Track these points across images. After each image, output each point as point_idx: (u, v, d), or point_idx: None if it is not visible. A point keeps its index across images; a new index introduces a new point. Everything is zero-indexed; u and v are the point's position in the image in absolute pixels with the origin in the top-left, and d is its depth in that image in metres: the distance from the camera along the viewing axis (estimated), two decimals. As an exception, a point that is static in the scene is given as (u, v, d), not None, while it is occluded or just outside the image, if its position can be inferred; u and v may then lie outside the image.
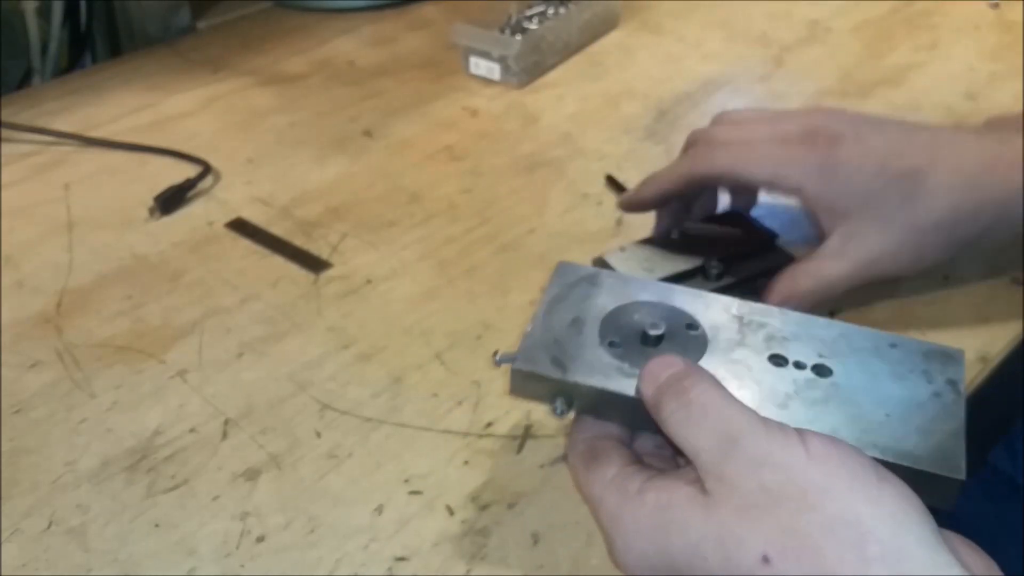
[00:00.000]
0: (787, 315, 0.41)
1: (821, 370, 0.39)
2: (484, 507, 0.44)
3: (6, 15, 0.84)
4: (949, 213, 0.48)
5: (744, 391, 0.37)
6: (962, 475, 0.35)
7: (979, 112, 0.72)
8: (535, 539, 0.42)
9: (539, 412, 0.48)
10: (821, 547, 0.30)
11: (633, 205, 0.57)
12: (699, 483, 0.33)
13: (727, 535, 0.31)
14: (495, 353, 0.39)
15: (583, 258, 0.58)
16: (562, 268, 0.43)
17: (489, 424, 0.48)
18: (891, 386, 0.38)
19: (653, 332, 0.39)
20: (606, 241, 0.61)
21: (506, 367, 0.39)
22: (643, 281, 0.44)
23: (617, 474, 0.35)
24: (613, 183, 0.66)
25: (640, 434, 0.39)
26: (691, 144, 0.54)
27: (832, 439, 0.32)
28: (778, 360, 0.39)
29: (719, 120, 0.54)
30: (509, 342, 0.53)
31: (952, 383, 0.38)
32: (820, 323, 0.41)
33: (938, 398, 0.38)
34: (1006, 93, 0.75)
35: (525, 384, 0.38)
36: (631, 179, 0.64)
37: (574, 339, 0.39)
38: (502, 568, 0.41)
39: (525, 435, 0.47)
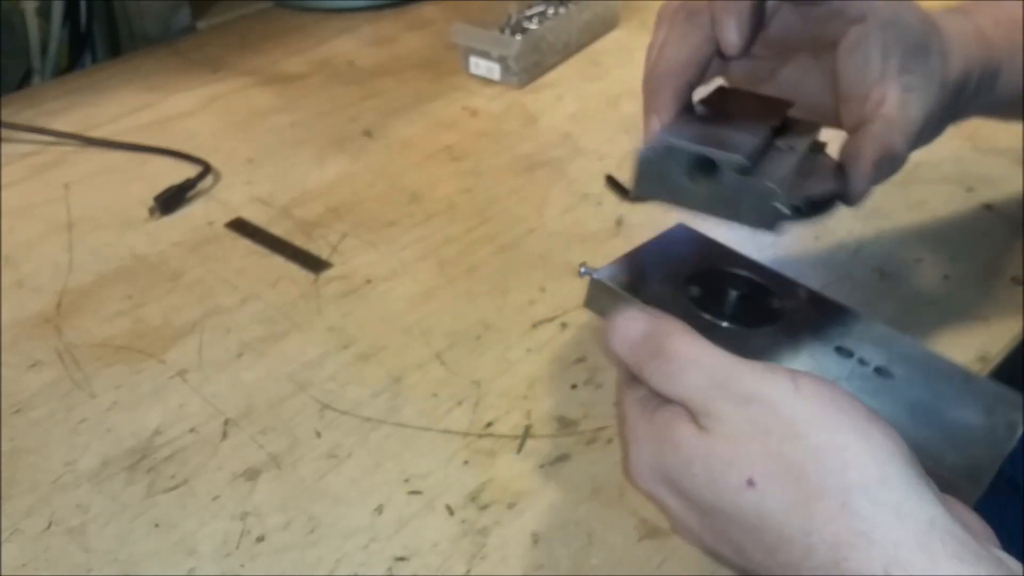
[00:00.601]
0: (872, 324, 0.43)
1: (883, 372, 0.40)
2: (484, 507, 0.44)
3: (6, 15, 0.84)
4: (960, 74, 0.46)
5: (795, 363, 0.38)
6: (980, 489, 0.35)
7: (979, 112, 0.72)
8: (535, 539, 0.42)
9: (539, 412, 0.48)
10: (805, 471, 0.30)
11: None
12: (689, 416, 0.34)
13: (714, 458, 0.32)
14: (581, 264, 0.42)
15: (583, 258, 0.58)
16: (679, 228, 0.46)
17: (489, 424, 0.48)
18: (948, 405, 0.39)
19: (732, 296, 0.41)
20: (606, 241, 0.61)
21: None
22: (746, 258, 0.46)
23: (645, 395, 0.36)
24: (613, 183, 0.66)
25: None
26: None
27: (824, 381, 0.33)
28: (844, 352, 0.40)
29: None
30: (509, 342, 0.53)
31: (1011, 425, 0.39)
32: (903, 340, 0.42)
33: (990, 432, 0.39)
34: (1006, 93, 0.75)
35: (598, 297, 0.40)
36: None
37: (657, 275, 0.41)
38: (502, 568, 0.41)
39: (525, 435, 0.47)
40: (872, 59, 0.43)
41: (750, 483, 0.31)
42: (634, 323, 0.36)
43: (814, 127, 0.45)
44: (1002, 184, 0.64)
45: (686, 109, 0.43)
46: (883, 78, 0.43)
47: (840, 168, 0.43)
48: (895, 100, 0.43)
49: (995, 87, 0.48)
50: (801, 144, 0.42)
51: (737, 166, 0.37)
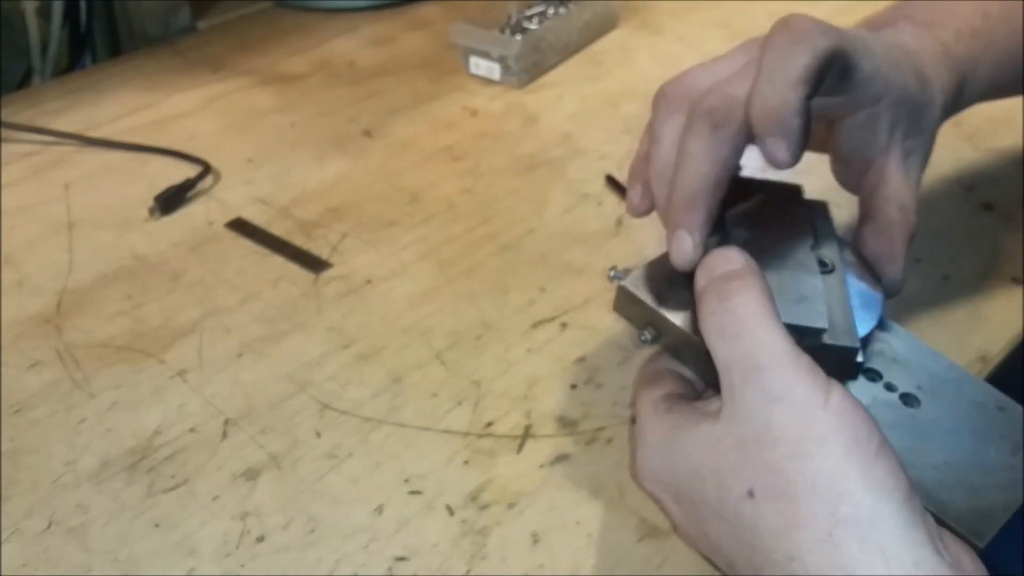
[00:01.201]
0: (915, 342, 0.41)
1: (909, 399, 0.39)
2: (484, 507, 0.44)
3: (6, 15, 0.84)
4: (943, 107, 0.46)
5: None
6: (982, 543, 0.34)
7: (979, 111, 0.72)
8: (535, 539, 0.42)
9: (539, 412, 0.48)
10: (798, 495, 0.30)
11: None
12: (714, 413, 0.34)
13: (723, 464, 0.32)
14: (611, 268, 0.41)
15: (583, 258, 0.58)
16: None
17: (489, 424, 0.48)
18: (972, 441, 0.38)
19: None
20: (606, 241, 0.61)
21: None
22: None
23: (661, 396, 0.36)
24: (613, 183, 0.66)
25: (708, 390, 0.39)
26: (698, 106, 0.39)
27: (855, 401, 0.32)
28: (872, 375, 0.39)
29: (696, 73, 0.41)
30: (509, 342, 0.53)
31: None
32: (943, 362, 0.41)
33: (1010, 471, 0.37)
34: (1006, 93, 0.75)
35: (626, 304, 0.40)
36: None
37: (688, 285, 0.38)
38: (502, 568, 0.41)
39: (525, 435, 0.47)
40: (880, 135, 0.43)
41: (751, 494, 0.31)
42: (725, 260, 0.35)
43: (824, 211, 0.44)
44: (1002, 184, 0.64)
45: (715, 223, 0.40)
46: (887, 149, 0.43)
47: (867, 264, 0.44)
48: (899, 174, 0.43)
49: (959, 101, 0.48)
50: (831, 253, 0.42)
51: (818, 334, 0.37)
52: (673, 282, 0.39)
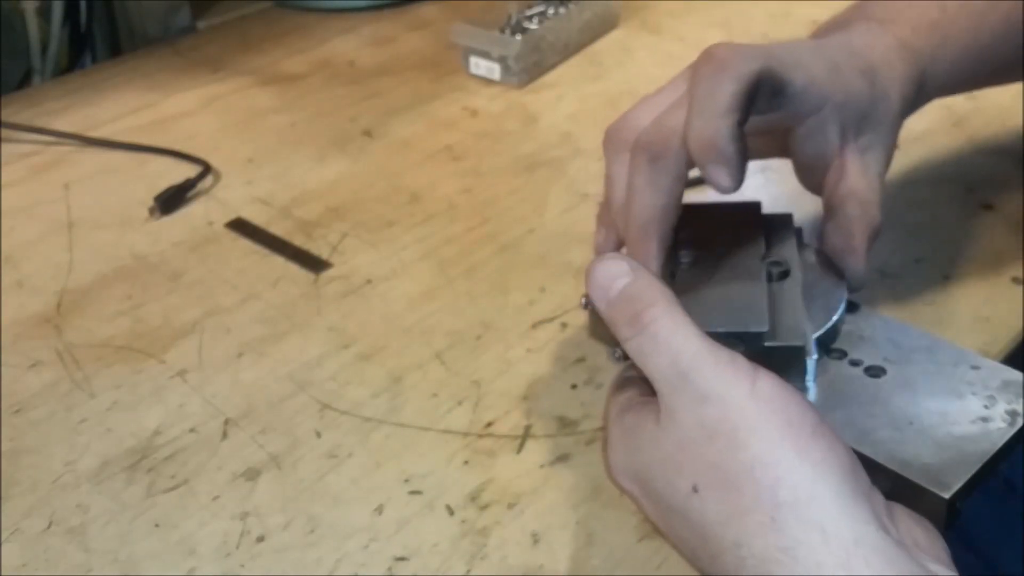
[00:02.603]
0: (887, 321, 0.43)
1: (873, 370, 0.40)
2: (484, 507, 0.44)
3: (6, 15, 0.84)
4: (901, 99, 0.46)
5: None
6: (948, 493, 0.35)
7: (979, 112, 0.72)
8: (535, 539, 0.42)
9: (539, 412, 0.48)
10: (740, 485, 0.31)
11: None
12: (657, 413, 0.35)
13: (668, 462, 0.33)
14: (583, 296, 0.40)
15: (583, 258, 0.58)
16: None
17: (489, 424, 0.48)
18: (940, 401, 0.39)
19: None
20: (606, 241, 0.61)
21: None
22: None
23: (625, 399, 0.38)
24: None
25: None
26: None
27: (784, 384, 0.33)
28: (837, 354, 0.41)
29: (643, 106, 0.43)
30: (509, 342, 0.53)
31: (1011, 413, 0.38)
32: (914, 333, 0.42)
33: (983, 423, 0.38)
34: (1006, 93, 0.75)
35: (599, 326, 0.40)
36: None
37: None
38: (502, 568, 0.41)
39: (525, 435, 0.47)
40: (831, 138, 0.44)
41: (695, 490, 0.32)
42: (613, 274, 0.36)
43: (788, 220, 0.46)
44: (1002, 184, 0.64)
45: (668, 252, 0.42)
46: (842, 150, 0.44)
47: (831, 262, 0.45)
48: (857, 170, 0.44)
49: (923, 92, 0.49)
50: (790, 259, 0.44)
51: (759, 338, 0.39)
52: None
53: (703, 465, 0.32)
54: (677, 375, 0.33)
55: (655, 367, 0.34)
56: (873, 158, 0.45)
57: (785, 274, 0.43)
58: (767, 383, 0.33)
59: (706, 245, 0.44)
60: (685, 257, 0.44)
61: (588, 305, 0.40)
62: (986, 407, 0.38)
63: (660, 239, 0.41)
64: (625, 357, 0.39)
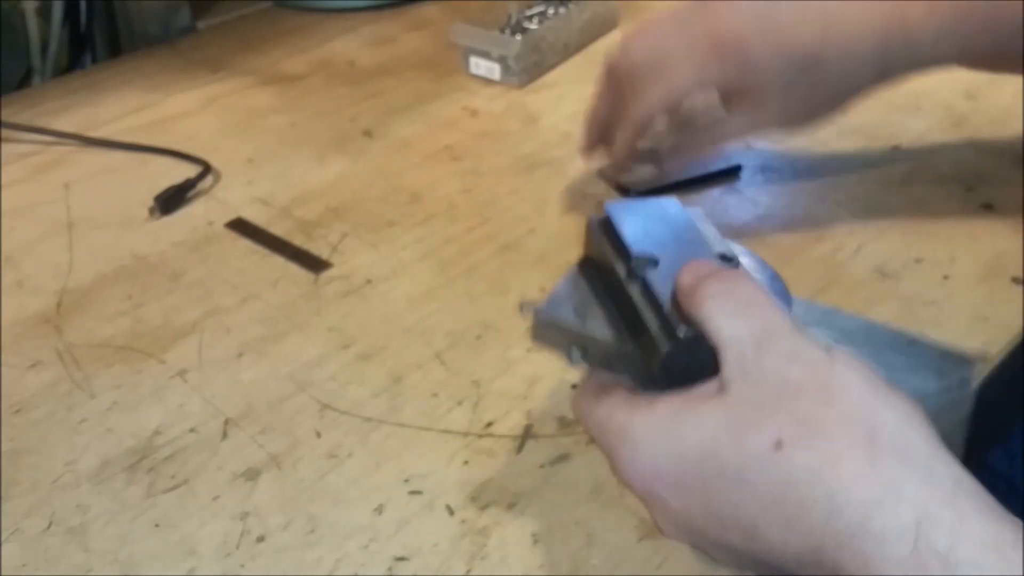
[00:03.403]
0: (813, 306, 0.42)
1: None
2: (484, 507, 0.44)
3: (6, 15, 0.84)
4: (843, 84, 0.54)
5: None
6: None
7: (979, 112, 0.72)
8: (535, 539, 0.42)
9: (539, 412, 0.48)
10: (834, 436, 0.31)
11: (619, 169, 0.63)
12: (714, 391, 0.34)
13: (744, 423, 0.33)
14: (522, 301, 0.40)
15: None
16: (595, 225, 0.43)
17: (489, 424, 0.48)
18: (901, 377, 0.39)
19: None
20: (606, 241, 0.61)
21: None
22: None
23: (626, 397, 0.37)
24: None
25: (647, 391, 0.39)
26: (615, 77, 0.59)
27: (850, 352, 0.34)
28: None
29: (631, 46, 0.57)
30: (509, 341, 0.53)
31: (964, 381, 0.39)
32: (843, 316, 0.42)
33: (946, 393, 0.39)
34: (1006, 93, 0.75)
35: (547, 332, 0.39)
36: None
37: (601, 294, 0.40)
38: (502, 568, 0.41)
39: (525, 435, 0.47)
40: (735, 98, 0.55)
41: (778, 444, 0.32)
42: (708, 265, 0.37)
43: (702, 216, 0.44)
44: (1002, 184, 0.64)
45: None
46: (741, 102, 0.54)
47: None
48: (736, 117, 0.57)
49: (918, 61, 0.54)
50: (726, 251, 0.42)
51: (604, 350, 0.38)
52: (585, 301, 0.40)
53: (789, 420, 0.32)
54: (766, 334, 0.34)
55: (743, 325, 0.34)
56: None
57: (734, 264, 0.41)
58: (841, 352, 0.34)
59: (660, 249, 0.41)
60: (649, 271, 0.41)
61: (526, 310, 0.39)
62: (941, 379, 0.39)
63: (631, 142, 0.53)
64: (584, 357, 0.39)
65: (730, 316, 0.34)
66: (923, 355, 0.40)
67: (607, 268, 0.41)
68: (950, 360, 0.40)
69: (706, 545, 0.36)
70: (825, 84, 0.54)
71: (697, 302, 0.35)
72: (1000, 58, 0.55)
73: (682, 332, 0.35)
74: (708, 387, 0.35)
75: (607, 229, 0.42)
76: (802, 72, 0.53)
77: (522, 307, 0.40)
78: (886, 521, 0.30)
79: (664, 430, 0.35)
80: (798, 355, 0.33)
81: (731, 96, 0.55)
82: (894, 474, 0.31)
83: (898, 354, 0.40)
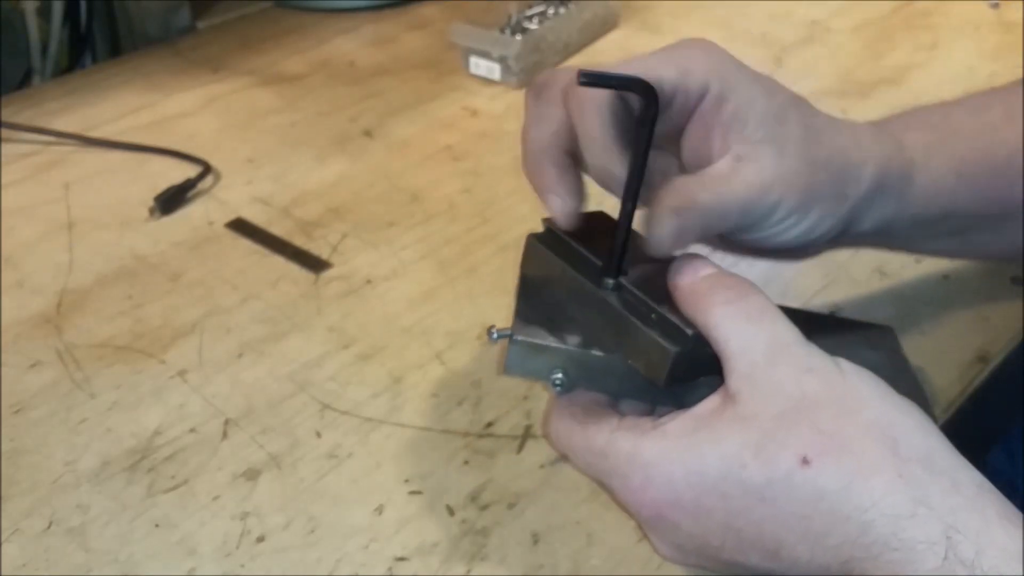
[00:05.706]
0: None
1: None
2: (484, 507, 0.44)
3: (6, 15, 0.84)
4: (839, 154, 0.41)
5: None
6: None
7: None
8: (535, 539, 0.42)
9: (539, 412, 0.48)
10: (860, 449, 0.31)
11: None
12: (720, 406, 0.33)
13: (767, 439, 0.32)
14: (490, 329, 0.38)
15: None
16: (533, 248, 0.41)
17: (489, 424, 0.48)
18: (844, 355, 0.38)
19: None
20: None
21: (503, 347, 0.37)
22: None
23: (622, 422, 0.35)
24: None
25: (623, 401, 0.39)
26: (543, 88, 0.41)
27: (860, 366, 0.34)
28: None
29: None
30: (509, 342, 0.53)
31: (894, 351, 0.40)
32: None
33: (890, 362, 0.39)
34: (1006, 93, 0.75)
35: (525, 358, 0.37)
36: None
37: (560, 312, 0.38)
38: (502, 568, 0.41)
39: (525, 435, 0.47)
40: (714, 143, 0.40)
41: (805, 461, 0.31)
42: (705, 265, 0.36)
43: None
44: (1002, 184, 0.64)
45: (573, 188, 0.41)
46: (720, 155, 0.40)
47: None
48: (722, 165, 0.39)
49: (911, 187, 0.44)
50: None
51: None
52: (551, 321, 0.37)
53: (813, 434, 0.31)
54: (779, 345, 0.33)
55: (755, 334, 0.33)
56: (746, 166, 0.39)
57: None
58: (847, 363, 0.34)
59: (632, 267, 0.39)
60: (624, 286, 0.38)
61: (502, 337, 0.37)
62: (874, 350, 0.40)
63: (556, 164, 0.40)
64: (569, 380, 0.37)
65: (740, 326, 0.34)
66: (849, 332, 0.41)
67: (560, 283, 0.38)
68: (873, 332, 0.40)
69: (716, 565, 0.35)
70: (820, 142, 0.42)
71: (704, 308, 0.35)
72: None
73: (691, 331, 0.35)
74: (712, 401, 0.34)
75: (555, 244, 0.39)
76: (796, 113, 0.41)
77: (491, 333, 0.37)
78: (916, 533, 0.30)
79: (680, 452, 0.33)
80: (811, 367, 0.33)
81: (713, 126, 0.40)
82: (922, 484, 0.31)
83: (829, 335, 0.39)
